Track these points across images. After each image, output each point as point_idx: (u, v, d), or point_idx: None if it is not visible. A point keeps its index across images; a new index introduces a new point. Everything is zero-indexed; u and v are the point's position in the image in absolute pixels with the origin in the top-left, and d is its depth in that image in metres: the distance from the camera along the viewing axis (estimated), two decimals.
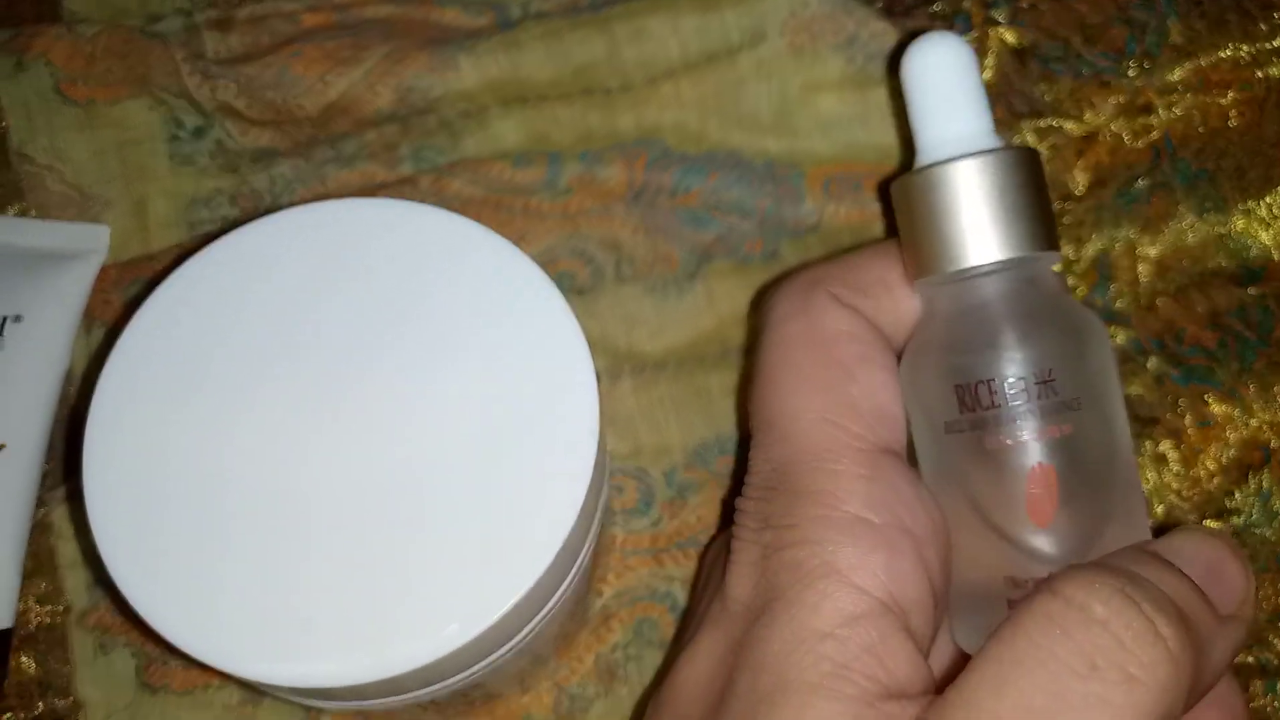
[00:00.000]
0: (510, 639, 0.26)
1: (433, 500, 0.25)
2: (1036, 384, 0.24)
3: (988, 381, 0.24)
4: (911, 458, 0.26)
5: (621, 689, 0.32)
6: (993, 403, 0.24)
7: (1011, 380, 0.24)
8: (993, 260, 0.25)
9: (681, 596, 0.33)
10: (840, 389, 0.25)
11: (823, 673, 0.22)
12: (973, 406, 0.24)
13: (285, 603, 0.24)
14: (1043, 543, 0.24)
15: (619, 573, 0.33)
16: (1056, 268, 0.36)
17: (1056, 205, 0.36)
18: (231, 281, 0.28)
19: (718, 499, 0.34)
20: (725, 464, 0.34)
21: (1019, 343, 0.24)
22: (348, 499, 0.25)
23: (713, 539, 0.33)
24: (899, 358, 0.27)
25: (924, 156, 0.26)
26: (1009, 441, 0.24)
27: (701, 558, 0.33)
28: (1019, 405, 0.24)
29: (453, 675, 0.26)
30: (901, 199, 0.26)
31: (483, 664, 0.26)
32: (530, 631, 0.27)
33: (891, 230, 0.35)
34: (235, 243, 0.28)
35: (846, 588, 0.23)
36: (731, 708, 0.23)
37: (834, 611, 0.23)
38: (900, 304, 0.27)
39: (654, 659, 0.33)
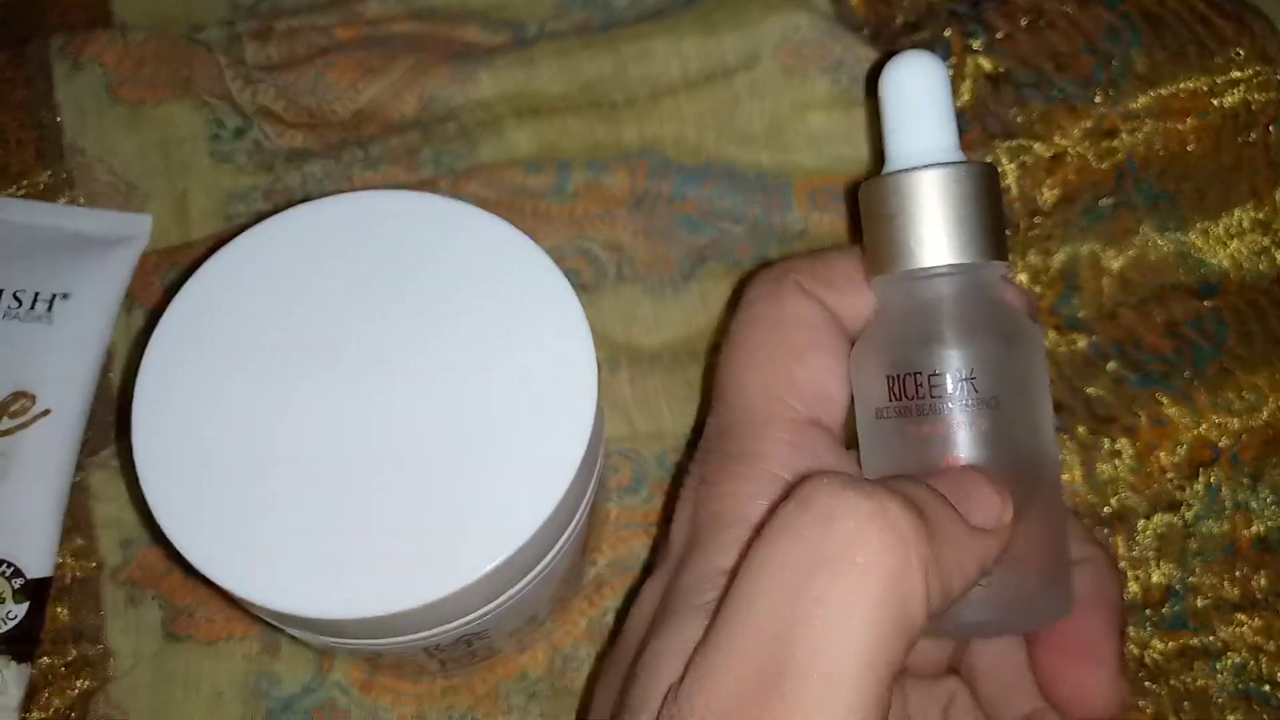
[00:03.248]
0: (509, 588, 0.29)
1: (444, 460, 0.28)
2: (959, 381, 0.26)
3: (914, 374, 0.26)
4: (851, 439, 0.28)
5: None
6: (918, 394, 0.26)
7: (936, 375, 0.26)
8: (941, 264, 0.27)
9: None
10: (786, 367, 0.27)
11: (709, 600, 0.24)
12: (900, 395, 0.26)
13: (308, 544, 0.27)
14: None
15: (612, 544, 0.36)
16: (1023, 278, 0.39)
17: (1026, 219, 0.39)
18: (264, 266, 0.30)
19: None
20: None
21: (948, 342, 0.26)
22: (370, 458, 0.28)
23: None
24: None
25: (891, 164, 0.28)
26: (927, 430, 0.26)
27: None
28: (940, 399, 0.26)
29: (457, 618, 0.28)
30: (866, 200, 0.28)
31: (485, 609, 0.28)
32: (528, 583, 0.29)
33: (854, 228, 0.38)
34: (268, 230, 0.31)
35: (752, 534, 0.24)
36: (646, 643, 0.25)
37: (739, 553, 0.24)
38: (863, 299, 0.29)
39: None
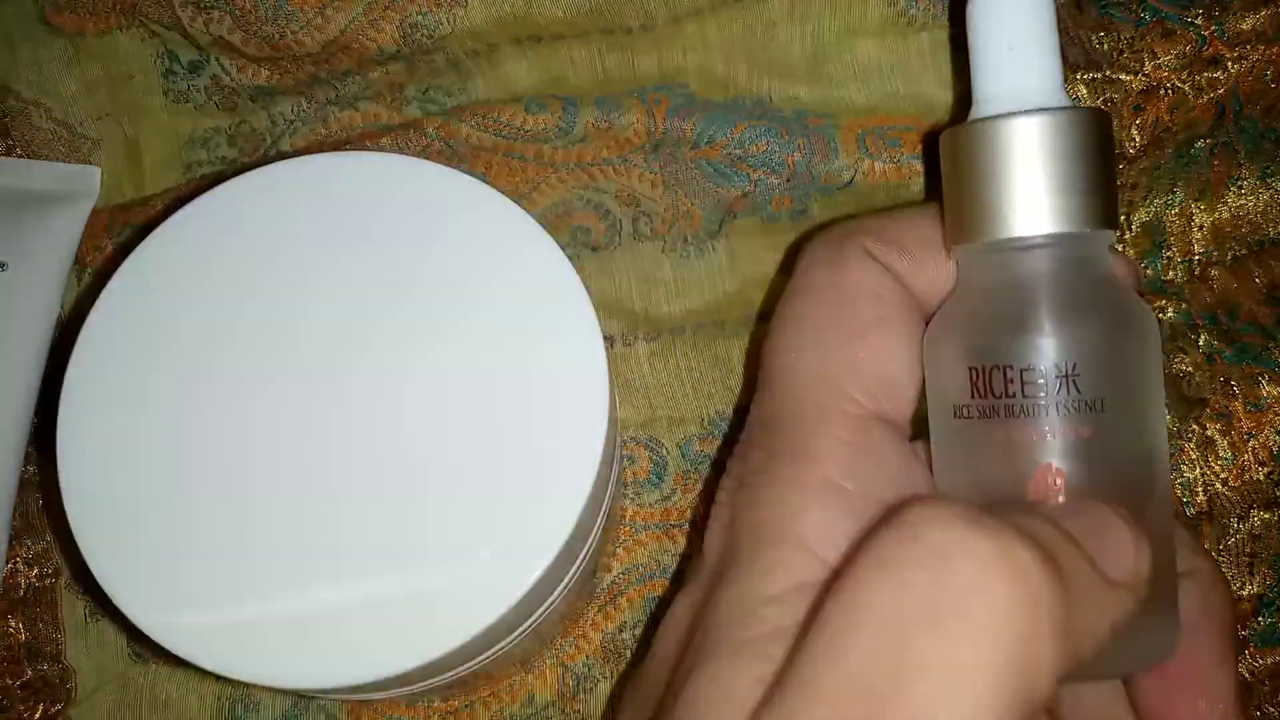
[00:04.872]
0: (512, 632, 0.25)
1: (432, 486, 0.24)
2: (1058, 378, 0.22)
3: (1004, 367, 0.22)
4: (921, 430, 0.24)
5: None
6: (1006, 391, 0.22)
7: (1029, 369, 0.22)
8: (1039, 233, 0.22)
9: None
10: (846, 349, 0.23)
11: (754, 635, 0.21)
12: (985, 392, 0.22)
13: (280, 599, 0.23)
14: None
15: (628, 547, 0.32)
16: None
17: None
18: (223, 235, 0.26)
19: None
20: None
21: (1045, 330, 0.22)
22: (343, 483, 0.24)
23: None
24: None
25: (980, 108, 0.24)
26: (1016, 435, 0.22)
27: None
28: (1034, 399, 0.22)
29: (450, 670, 0.24)
30: (949, 153, 0.24)
31: (480, 658, 0.25)
32: (534, 622, 0.25)
33: (932, 187, 0.33)
34: (228, 194, 0.27)
35: (803, 554, 0.21)
36: (678, 672, 0.22)
37: (786, 577, 0.21)
38: (942, 268, 0.24)
39: None
